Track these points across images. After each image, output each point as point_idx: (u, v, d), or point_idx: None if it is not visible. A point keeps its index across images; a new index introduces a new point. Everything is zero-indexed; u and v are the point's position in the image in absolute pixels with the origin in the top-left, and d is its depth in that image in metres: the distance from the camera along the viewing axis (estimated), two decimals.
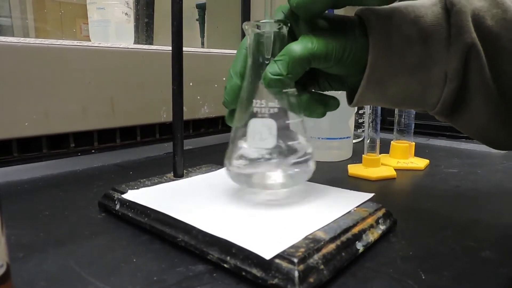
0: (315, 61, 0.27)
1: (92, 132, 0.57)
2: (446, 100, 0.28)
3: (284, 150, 0.30)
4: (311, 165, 0.31)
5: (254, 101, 0.30)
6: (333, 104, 0.32)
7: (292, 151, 0.30)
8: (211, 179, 0.40)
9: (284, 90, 0.29)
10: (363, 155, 0.50)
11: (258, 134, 0.29)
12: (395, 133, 0.57)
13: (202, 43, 1.03)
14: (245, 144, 0.30)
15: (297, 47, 0.27)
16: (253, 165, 0.30)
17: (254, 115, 0.30)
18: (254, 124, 0.30)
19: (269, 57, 0.29)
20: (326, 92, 0.33)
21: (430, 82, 0.28)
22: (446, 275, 0.25)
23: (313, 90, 0.33)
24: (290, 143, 0.30)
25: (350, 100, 0.32)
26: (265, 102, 0.30)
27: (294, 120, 0.30)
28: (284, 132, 0.30)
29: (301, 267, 0.22)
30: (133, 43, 0.64)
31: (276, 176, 0.30)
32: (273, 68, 0.27)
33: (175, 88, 0.38)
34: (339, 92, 0.33)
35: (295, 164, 0.30)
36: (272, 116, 0.29)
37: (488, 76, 0.27)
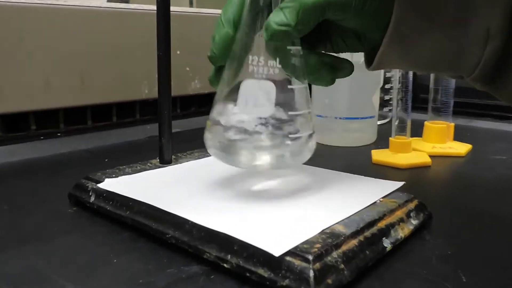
0: (330, 11, 0.27)
1: (58, 111, 0.57)
2: (487, 63, 0.28)
3: (281, 122, 0.29)
4: (312, 143, 0.31)
5: (250, 57, 0.29)
6: (347, 68, 0.31)
7: (291, 124, 0.29)
8: (206, 165, 0.40)
9: (288, 47, 0.28)
10: (390, 138, 0.51)
11: (252, 99, 0.29)
12: (429, 112, 0.57)
13: (191, 2, 1.03)
14: (233, 110, 0.29)
15: None
16: (241, 137, 0.29)
17: (249, 74, 0.29)
18: (249, 86, 0.29)
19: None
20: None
21: (468, 40, 0.28)
22: (491, 278, 0.26)
23: (322, 52, 0.33)
24: (290, 113, 0.29)
25: (369, 63, 0.32)
26: (264, 59, 0.29)
27: (297, 86, 0.30)
28: (283, 99, 0.29)
29: (317, 265, 0.23)
30: (107, 1, 0.64)
31: (268, 154, 0.30)
32: (279, 17, 0.26)
33: (161, 54, 0.38)
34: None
35: (293, 140, 0.29)
36: (271, 78, 0.29)
37: None
